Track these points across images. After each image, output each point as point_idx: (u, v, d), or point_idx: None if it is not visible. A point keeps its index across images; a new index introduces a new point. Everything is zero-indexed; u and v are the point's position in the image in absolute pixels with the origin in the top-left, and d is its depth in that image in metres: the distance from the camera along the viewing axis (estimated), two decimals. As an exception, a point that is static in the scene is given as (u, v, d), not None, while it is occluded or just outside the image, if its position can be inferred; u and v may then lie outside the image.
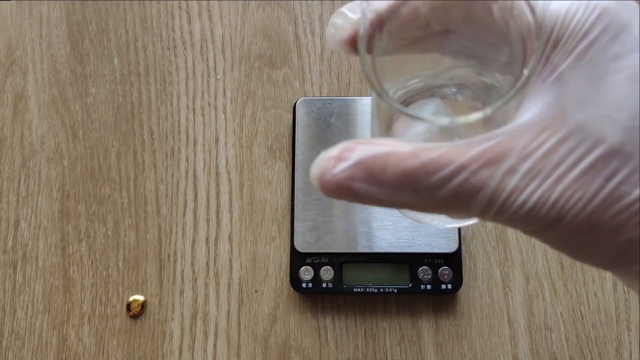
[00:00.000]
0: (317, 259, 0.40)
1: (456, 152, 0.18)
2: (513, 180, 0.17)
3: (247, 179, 0.43)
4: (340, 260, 0.40)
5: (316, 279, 0.40)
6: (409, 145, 0.18)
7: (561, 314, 0.40)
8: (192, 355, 0.40)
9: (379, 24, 0.20)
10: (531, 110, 0.18)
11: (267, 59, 0.45)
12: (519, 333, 0.40)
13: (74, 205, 0.43)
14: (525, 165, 0.17)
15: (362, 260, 0.40)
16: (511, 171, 0.17)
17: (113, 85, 0.45)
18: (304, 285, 0.40)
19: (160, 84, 0.45)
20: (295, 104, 0.42)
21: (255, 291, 0.41)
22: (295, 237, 0.40)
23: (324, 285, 0.40)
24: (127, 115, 0.44)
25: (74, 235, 0.42)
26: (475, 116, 0.17)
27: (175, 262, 0.42)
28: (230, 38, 0.46)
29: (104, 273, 0.42)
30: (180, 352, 0.40)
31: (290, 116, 0.44)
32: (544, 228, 0.18)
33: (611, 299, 0.40)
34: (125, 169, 0.43)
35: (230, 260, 0.42)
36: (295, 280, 0.40)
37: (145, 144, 0.44)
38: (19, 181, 0.43)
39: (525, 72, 0.17)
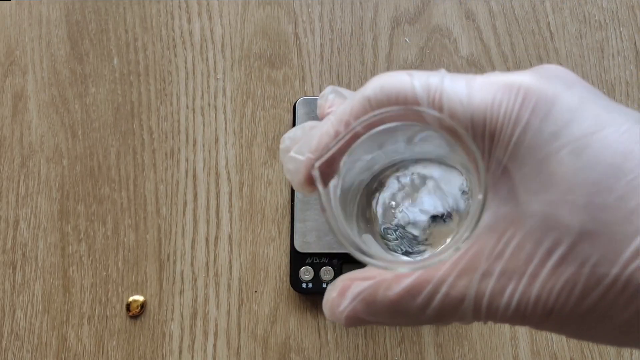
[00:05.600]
0: (317, 259, 0.40)
1: (432, 270, 0.18)
2: (490, 285, 0.18)
3: (247, 179, 0.43)
4: (340, 261, 0.40)
5: (316, 279, 0.40)
6: (392, 274, 0.20)
7: (562, 314, 0.40)
8: (192, 356, 0.40)
9: (331, 159, 0.20)
10: (489, 209, 0.18)
11: (267, 58, 0.45)
12: (520, 333, 0.40)
13: (74, 205, 0.43)
14: (498, 268, 0.17)
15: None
16: (486, 275, 0.18)
17: (112, 85, 0.45)
18: (304, 285, 0.40)
19: (160, 84, 0.45)
20: (295, 103, 0.42)
21: (255, 291, 0.41)
22: (295, 237, 0.40)
23: (324, 285, 0.40)
24: (127, 115, 0.44)
25: (74, 235, 0.42)
26: (447, 254, 0.18)
27: (175, 262, 0.42)
28: (230, 38, 0.46)
29: (104, 273, 0.41)
30: (180, 353, 0.40)
31: (290, 116, 0.44)
32: (539, 322, 0.18)
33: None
34: (124, 169, 0.43)
35: (230, 261, 0.42)
36: (295, 281, 0.40)
37: (144, 144, 0.44)
38: (19, 181, 0.43)
39: (480, 196, 0.17)
